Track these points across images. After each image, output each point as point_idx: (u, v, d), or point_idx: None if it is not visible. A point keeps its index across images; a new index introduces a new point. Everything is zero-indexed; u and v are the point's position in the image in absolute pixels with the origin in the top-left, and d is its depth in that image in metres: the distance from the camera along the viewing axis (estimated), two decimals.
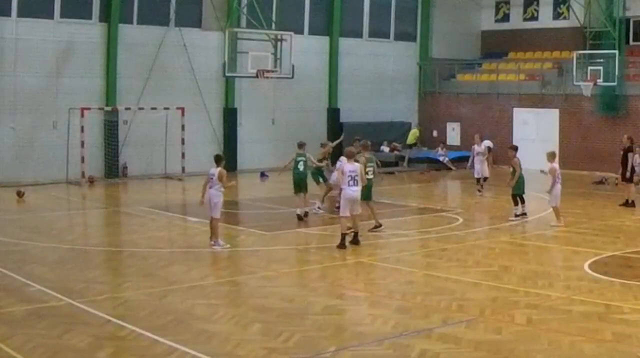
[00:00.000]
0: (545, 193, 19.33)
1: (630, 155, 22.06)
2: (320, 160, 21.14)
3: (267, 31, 27.53)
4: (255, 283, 13.26)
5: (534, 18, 36.43)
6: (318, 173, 21.03)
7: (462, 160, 32.00)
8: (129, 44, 28.67)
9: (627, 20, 32.81)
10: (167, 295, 12.21)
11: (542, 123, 32.62)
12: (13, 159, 26.68)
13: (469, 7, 37.60)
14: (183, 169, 28.69)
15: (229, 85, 31.16)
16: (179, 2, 29.81)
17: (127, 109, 28.32)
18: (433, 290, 12.56)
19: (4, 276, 13.44)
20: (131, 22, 29.06)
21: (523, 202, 19.80)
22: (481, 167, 24.73)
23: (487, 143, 27.13)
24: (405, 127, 35.64)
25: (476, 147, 25.11)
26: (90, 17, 28.17)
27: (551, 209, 19.03)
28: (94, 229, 20.20)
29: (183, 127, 28.98)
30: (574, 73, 30.44)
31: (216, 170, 15.77)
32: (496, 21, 37.84)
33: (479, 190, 24.53)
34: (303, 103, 32.99)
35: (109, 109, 28.14)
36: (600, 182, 27.65)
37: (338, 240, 15.92)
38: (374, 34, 35.47)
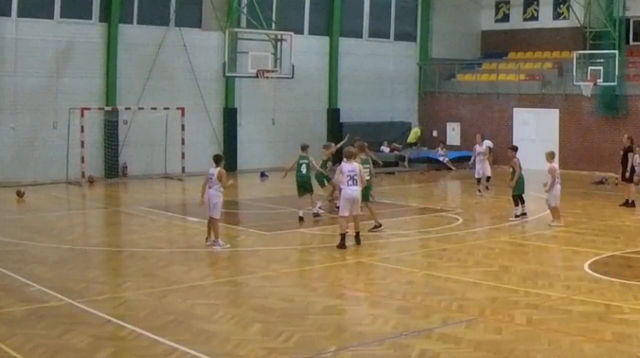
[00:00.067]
0: (543, 193, 19.29)
1: (630, 155, 22.06)
2: (325, 161, 21.19)
3: (267, 31, 27.53)
4: (255, 283, 13.26)
5: (534, 18, 36.45)
6: (322, 175, 21.01)
7: (462, 160, 32.04)
8: (129, 44, 28.68)
9: (627, 20, 32.82)
10: (167, 295, 12.20)
11: (542, 123, 32.62)
12: (13, 159, 26.69)
13: (469, 7, 37.61)
14: (183, 168, 28.69)
15: (229, 85, 31.17)
16: (179, 2, 29.81)
17: (127, 109, 28.33)
18: (433, 290, 12.56)
19: (4, 276, 13.44)
20: (131, 22, 29.07)
21: (523, 202, 19.80)
22: (482, 167, 24.75)
23: (488, 143, 27.14)
24: (405, 127, 35.64)
25: (477, 147, 25.12)
26: (90, 17, 28.18)
27: (549, 209, 19.02)
28: (94, 229, 20.19)
29: (183, 127, 28.98)
30: (574, 73, 30.45)
31: (215, 170, 15.77)
32: (496, 21, 37.86)
33: (479, 190, 24.54)
34: (303, 103, 33.00)
35: (109, 109, 28.14)
36: (600, 182, 27.66)
37: (338, 240, 15.93)
38: (374, 34, 35.49)
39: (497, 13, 37.79)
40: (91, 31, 28.11)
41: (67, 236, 17.69)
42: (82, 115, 26.82)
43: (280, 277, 13.70)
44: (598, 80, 29.93)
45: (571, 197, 22.70)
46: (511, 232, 18.31)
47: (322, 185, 21.06)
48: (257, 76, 26.62)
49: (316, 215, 19.69)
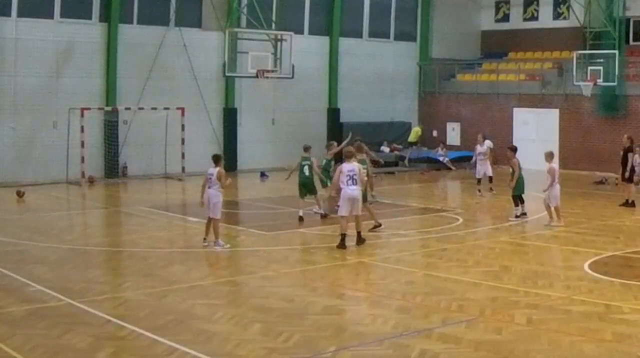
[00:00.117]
0: (542, 192, 19.25)
1: (630, 155, 22.06)
2: (329, 161, 21.19)
3: (267, 31, 27.53)
4: (255, 283, 13.26)
5: (534, 18, 36.43)
6: (325, 175, 20.97)
7: (461, 160, 32.03)
8: (129, 44, 28.67)
9: (627, 20, 32.80)
10: (167, 295, 12.20)
11: (542, 123, 32.61)
12: (13, 159, 26.69)
13: (469, 7, 37.61)
14: (183, 168, 28.68)
15: (229, 85, 31.17)
16: (179, 2, 29.81)
17: (127, 109, 28.32)
18: (433, 290, 12.56)
19: (4, 276, 13.44)
20: (131, 22, 29.07)
21: (523, 202, 19.81)
22: (482, 167, 24.75)
23: (488, 143, 27.13)
24: (406, 127, 35.63)
25: (478, 147, 25.13)
26: (90, 17, 28.18)
27: (547, 209, 18.99)
28: (94, 229, 20.18)
29: (183, 127, 28.97)
30: (574, 73, 30.45)
31: (215, 170, 15.77)
32: (496, 21, 37.85)
33: (479, 190, 24.53)
34: (303, 103, 33.00)
35: (109, 109, 28.14)
36: (601, 182, 27.65)
37: (338, 240, 15.92)
38: (374, 34, 35.48)
39: (497, 13, 37.78)
40: (91, 31, 28.10)
41: (67, 236, 17.69)
42: (82, 115, 26.81)
43: (280, 277, 13.69)
44: (598, 80, 29.92)
45: (571, 197, 22.70)
46: (511, 232, 18.31)
47: (323, 185, 21.05)
48: (257, 76, 26.62)
49: (324, 215, 19.61)
